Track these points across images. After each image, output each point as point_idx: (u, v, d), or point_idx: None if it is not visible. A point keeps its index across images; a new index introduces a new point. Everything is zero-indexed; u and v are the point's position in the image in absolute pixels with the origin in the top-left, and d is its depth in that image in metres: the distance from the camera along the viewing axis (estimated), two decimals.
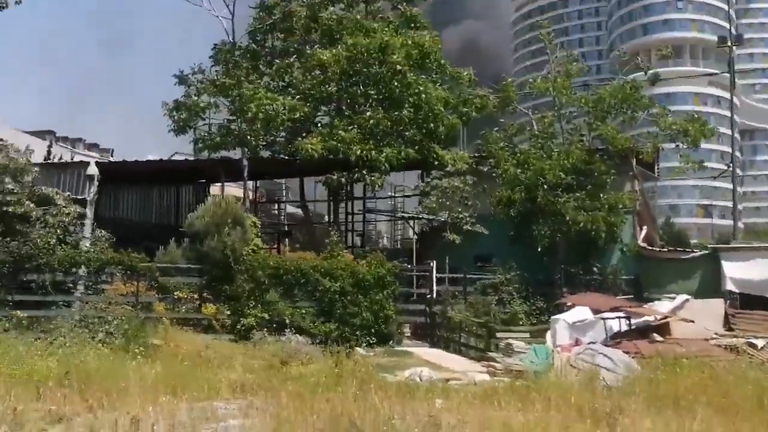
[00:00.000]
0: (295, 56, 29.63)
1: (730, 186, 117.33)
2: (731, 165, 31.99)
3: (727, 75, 35.70)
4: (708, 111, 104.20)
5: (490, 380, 16.96)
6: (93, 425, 9.89)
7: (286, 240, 38.30)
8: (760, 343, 19.07)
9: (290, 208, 41.74)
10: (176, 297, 22.18)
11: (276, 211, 42.45)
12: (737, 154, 30.84)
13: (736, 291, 25.23)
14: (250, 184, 32.41)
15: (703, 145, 28.15)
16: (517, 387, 14.29)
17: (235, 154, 31.81)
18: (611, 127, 27.22)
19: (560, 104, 28.08)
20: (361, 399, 11.89)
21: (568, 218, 25.26)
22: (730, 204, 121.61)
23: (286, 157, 28.78)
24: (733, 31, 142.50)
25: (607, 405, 11.80)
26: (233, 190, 40.31)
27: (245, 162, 27.20)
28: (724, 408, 11.87)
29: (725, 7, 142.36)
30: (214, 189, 38.38)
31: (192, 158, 34.53)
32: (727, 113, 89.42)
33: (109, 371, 13.89)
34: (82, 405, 11.17)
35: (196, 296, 22.54)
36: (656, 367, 15.43)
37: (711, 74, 66.19)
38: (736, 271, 25.55)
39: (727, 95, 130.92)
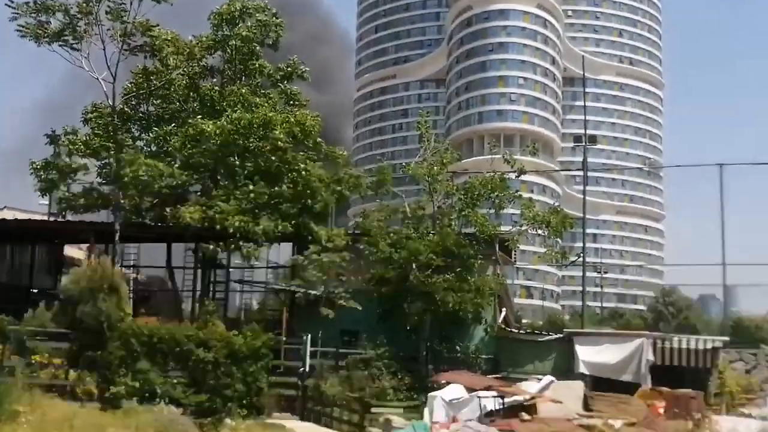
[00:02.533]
0: (173, 124, 29.56)
1: (547, 269, 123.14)
2: (582, 255, 34.25)
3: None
4: (536, 198, 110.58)
5: None
6: None
7: (144, 306, 37.42)
8: (617, 423, 20.41)
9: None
10: (43, 362, 21.35)
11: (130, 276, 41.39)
12: (558, 240, 33.16)
13: (587, 373, 26.77)
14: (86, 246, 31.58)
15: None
16: None
17: (98, 216, 31.18)
18: (481, 214, 28.65)
19: (434, 190, 29.31)
20: None
21: (438, 298, 26.20)
22: (549, 287, 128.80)
23: (160, 224, 28.43)
24: (560, 127, 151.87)
25: None
26: (74, 251, 39.21)
27: (117, 226, 26.73)
28: None
29: (554, 103, 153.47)
30: (67, 250, 37.27)
31: (53, 218, 33.46)
32: (551, 201, 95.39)
33: None
34: None
35: (62, 362, 21.80)
36: None
37: (564, 170, 70.30)
38: (587, 355, 27.14)
39: (549, 184, 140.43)
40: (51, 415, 18.28)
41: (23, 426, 15.76)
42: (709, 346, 26.99)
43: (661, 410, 23.22)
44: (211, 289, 31.87)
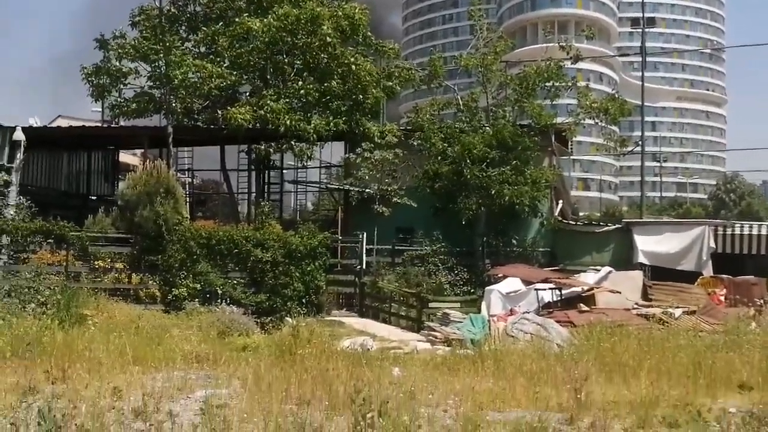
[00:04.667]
0: (221, 23, 29.20)
1: (605, 160, 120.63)
2: (641, 142, 33.52)
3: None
4: (593, 87, 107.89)
5: (431, 348, 17.53)
6: (70, 395, 9.84)
7: (201, 210, 38.05)
8: (676, 312, 20.23)
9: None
10: (106, 267, 21.88)
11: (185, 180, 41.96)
12: (615, 129, 32.32)
13: (647, 263, 26.53)
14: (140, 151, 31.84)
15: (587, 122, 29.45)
16: (468, 355, 14.87)
17: (151, 121, 31.34)
18: (537, 104, 28.02)
19: (487, 81, 28.67)
20: (325, 367, 12.22)
21: (493, 192, 25.95)
22: (607, 178, 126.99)
23: (212, 126, 28.45)
24: (617, 11, 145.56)
25: (560, 371, 12.51)
26: (128, 157, 39.73)
27: (170, 130, 26.83)
28: (663, 373, 12.72)
29: None
30: (122, 156, 37.79)
31: (107, 124, 33.80)
32: (608, 89, 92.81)
33: (64, 342, 13.75)
34: (44, 376, 11.02)
35: (124, 266, 22.30)
36: (589, 335, 16.29)
37: (622, 55, 68.22)
38: (647, 245, 26.85)
39: (606, 71, 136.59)
40: (117, 317, 18.78)
41: (91, 329, 16.20)
42: None
43: (722, 298, 22.98)
44: (266, 190, 32.10)
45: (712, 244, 26.16)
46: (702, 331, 17.24)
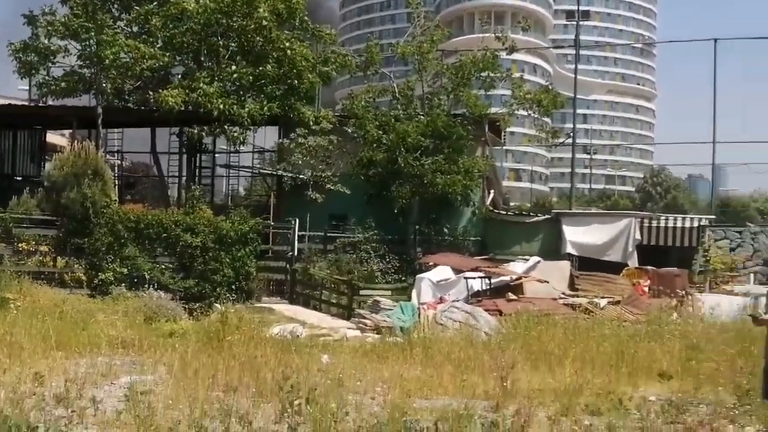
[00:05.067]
0: (155, 2, 28.59)
1: (536, 151, 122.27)
2: (572, 134, 34.07)
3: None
4: (527, 78, 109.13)
5: (361, 336, 17.57)
6: None
7: (130, 193, 37.32)
8: (602, 302, 20.68)
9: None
10: (30, 250, 21.34)
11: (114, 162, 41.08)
12: (548, 120, 32.84)
13: (575, 254, 27.04)
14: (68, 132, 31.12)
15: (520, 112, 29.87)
16: (397, 343, 14.96)
17: (80, 101, 30.56)
18: (472, 93, 28.20)
19: (423, 69, 28.75)
20: (254, 354, 12.15)
21: (426, 180, 26.09)
22: (538, 169, 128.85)
23: (144, 108, 27.91)
24: (552, 3, 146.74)
25: (488, 359, 12.68)
26: (56, 138, 38.72)
27: (100, 110, 26.24)
28: (587, 361, 13.00)
29: None
30: (49, 137, 36.81)
31: (34, 103, 32.86)
32: (541, 81, 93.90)
33: None
34: None
35: (49, 249, 21.81)
36: (516, 324, 16.54)
37: (556, 47, 69.10)
38: (575, 235, 27.36)
39: (541, 63, 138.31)
40: (41, 301, 18.33)
41: (13, 312, 15.78)
42: (696, 224, 27.27)
43: (646, 288, 23.57)
44: (197, 174, 31.69)
45: (638, 236, 26.80)
46: (626, 321, 17.66)
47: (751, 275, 26.77)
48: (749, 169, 51.72)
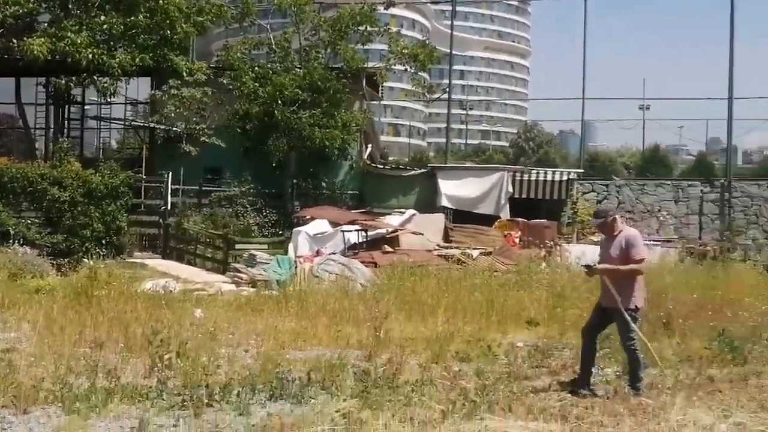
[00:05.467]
0: None
1: (415, 106, 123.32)
2: (449, 90, 34.46)
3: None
4: (405, 33, 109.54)
5: (237, 290, 17.44)
6: None
7: None
8: (474, 253, 21.21)
9: None
10: None
11: None
12: (425, 76, 33.20)
13: (449, 206, 27.54)
14: None
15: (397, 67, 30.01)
16: (273, 296, 14.94)
17: None
18: (349, 47, 28.01)
19: (301, 22, 28.32)
20: (123, 309, 11.90)
21: (304, 134, 25.91)
22: (416, 124, 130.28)
23: (7, 56, 26.39)
24: None
25: (363, 310, 12.84)
26: None
27: None
28: (459, 311, 13.37)
29: None
30: None
31: None
32: (419, 36, 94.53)
33: None
34: None
35: None
36: (391, 275, 16.79)
37: (433, 2, 69.30)
38: (450, 188, 27.82)
39: (419, 19, 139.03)
40: None
41: None
42: (565, 178, 28.22)
43: (517, 240, 24.29)
44: (66, 126, 30.35)
45: (510, 189, 27.50)
46: (497, 271, 18.18)
47: None
48: (617, 125, 53.72)
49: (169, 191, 24.33)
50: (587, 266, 8.84)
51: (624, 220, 9.00)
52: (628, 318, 8.21)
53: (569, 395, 7.97)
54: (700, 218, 28.05)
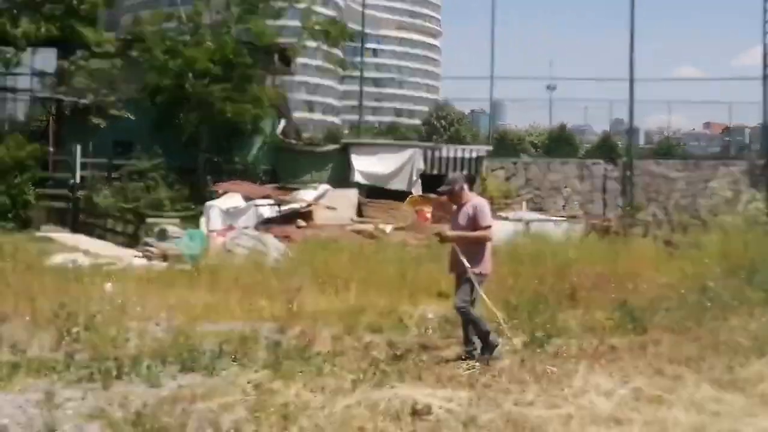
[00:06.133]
0: None
1: (329, 83, 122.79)
2: (360, 67, 34.55)
3: None
4: (319, 11, 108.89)
5: (148, 264, 17.17)
6: None
7: None
8: (387, 228, 21.44)
9: None
10: None
11: None
12: (339, 53, 33.26)
13: (363, 182, 27.65)
14: None
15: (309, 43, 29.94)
16: (185, 270, 14.78)
17: None
18: (261, 23, 27.69)
19: None
20: (30, 283, 11.62)
21: (215, 108, 25.59)
22: (330, 101, 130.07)
23: None
24: None
25: (276, 284, 12.86)
26: None
27: None
28: (372, 284, 13.49)
29: None
30: None
31: None
32: (333, 13, 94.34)
33: None
34: None
35: None
36: (305, 249, 16.84)
37: None
38: (363, 165, 27.94)
39: None
40: None
41: None
42: (475, 155, 28.72)
43: (428, 215, 24.58)
44: None
45: (421, 166, 27.83)
46: (408, 246, 18.41)
47: (524, 203, 28.65)
48: (525, 105, 54.67)
49: (78, 165, 23.74)
50: (438, 233, 8.98)
51: (469, 189, 9.08)
52: (476, 281, 8.32)
53: (477, 365, 8.15)
54: (603, 195, 28.97)
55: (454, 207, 8.86)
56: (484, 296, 8.56)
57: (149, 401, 6.27)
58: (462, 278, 8.46)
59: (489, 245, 8.68)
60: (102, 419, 6.08)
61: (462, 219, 8.57)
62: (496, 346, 8.51)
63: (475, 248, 8.47)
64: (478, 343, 8.49)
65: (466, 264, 8.29)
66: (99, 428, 5.92)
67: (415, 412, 6.32)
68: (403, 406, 6.32)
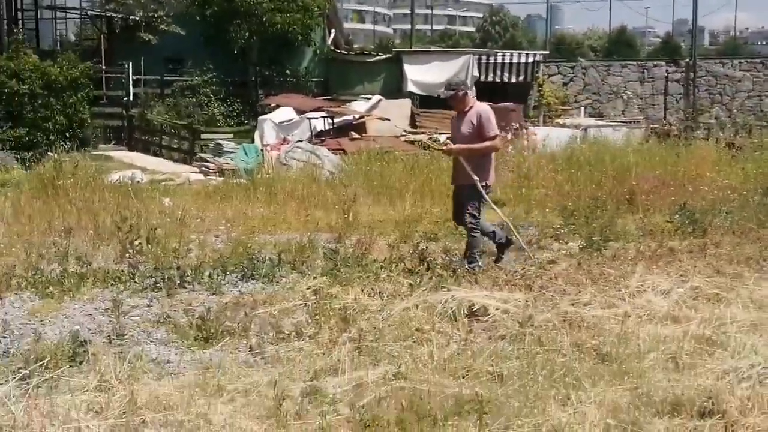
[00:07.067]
0: None
1: None
2: None
3: None
4: None
5: (204, 179, 17.41)
6: None
7: None
8: (441, 138, 21.21)
9: None
10: None
11: None
12: None
13: (416, 92, 27.36)
14: None
15: None
16: (241, 184, 14.92)
17: None
18: None
19: None
20: (91, 199, 11.86)
21: (265, 19, 25.38)
22: (381, 10, 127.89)
23: None
24: None
25: (331, 195, 12.93)
26: None
27: None
28: (426, 194, 13.48)
29: None
30: None
31: None
32: None
33: None
34: None
35: None
36: (359, 161, 16.82)
37: None
38: (416, 74, 27.58)
39: None
40: None
41: None
42: (531, 60, 28.09)
43: None
44: (20, 17, 29.42)
45: (476, 73, 27.35)
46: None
47: (582, 108, 28.14)
48: (583, 8, 53.04)
49: (131, 82, 23.91)
50: (444, 147, 8.58)
51: (474, 96, 8.69)
52: (483, 192, 8.10)
53: (532, 269, 8.10)
54: (665, 98, 28.26)
55: (455, 115, 8.50)
56: (494, 207, 8.39)
57: (212, 307, 6.43)
58: (466, 191, 8.19)
59: (494, 155, 8.43)
60: (167, 324, 6.26)
61: (465, 127, 8.19)
62: (510, 244, 8.50)
63: (481, 159, 8.15)
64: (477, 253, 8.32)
65: (474, 177, 8.00)
66: (165, 333, 6.10)
67: (472, 314, 6.37)
68: (460, 307, 6.37)
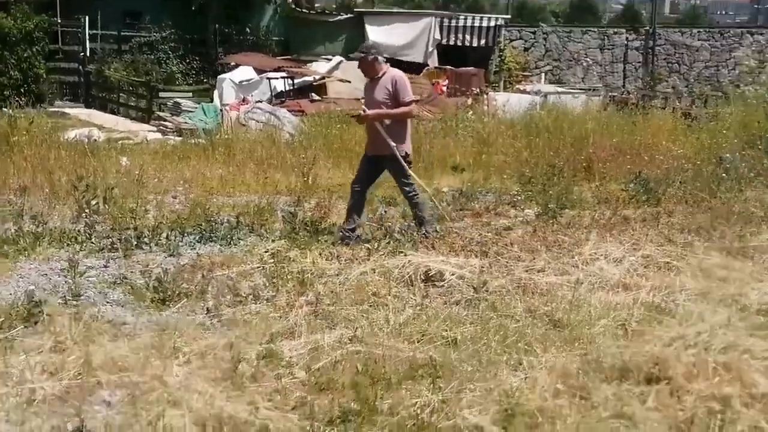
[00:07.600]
0: None
1: None
2: None
3: None
4: None
5: (163, 138, 17.21)
6: None
7: None
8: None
9: None
10: None
11: None
12: None
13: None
14: None
15: None
16: (200, 144, 14.82)
17: None
18: None
19: None
20: (47, 156, 11.71)
21: None
22: None
23: None
24: None
25: (290, 157, 12.91)
26: None
27: None
28: None
29: None
30: None
31: None
32: None
33: None
34: None
35: None
36: (318, 123, 16.75)
37: None
38: (378, 35, 27.29)
39: None
40: None
41: None
42: (493, 24, 28.01)
43: (444, 88, 24.30)
44: None
45: (437, 36, 27.23)
46: (424, 119, 18.26)
47: (542, 75, 28.22)
48: None
49: (87, 37, 23.42)
50: (357, 115, 8.18)
51: (386, 62, 8.18)
52: (404, 163, 7.87)
53: (494, 236, 8.16)
54: (624, 66, 28.43)
55: (367, 81, 8.15)
56: (415, 177, 8.09)
57: (169, 269, 6.43)
58: (388, 163, 7.96)
59: (410, 122, 8.22)
60: (124, 286, 6.26)
61: (379, 94, 7.86)
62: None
63: (397, 126, 7.88)
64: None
65: (392, 144, 7.74)
66: (121, 294, 6.10)
67: (428, 279, 6.46)
68: (416, 272, 6.46)
